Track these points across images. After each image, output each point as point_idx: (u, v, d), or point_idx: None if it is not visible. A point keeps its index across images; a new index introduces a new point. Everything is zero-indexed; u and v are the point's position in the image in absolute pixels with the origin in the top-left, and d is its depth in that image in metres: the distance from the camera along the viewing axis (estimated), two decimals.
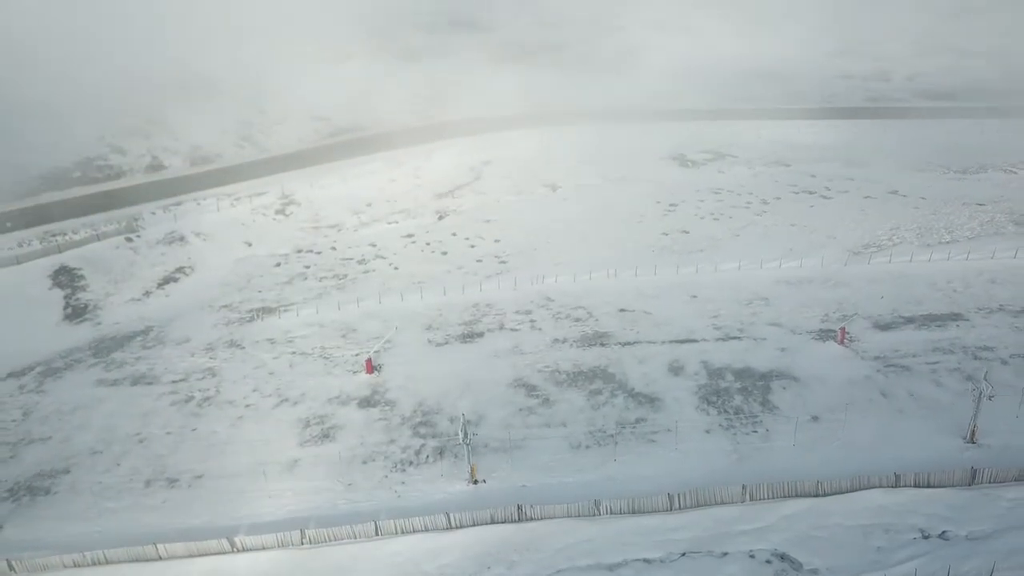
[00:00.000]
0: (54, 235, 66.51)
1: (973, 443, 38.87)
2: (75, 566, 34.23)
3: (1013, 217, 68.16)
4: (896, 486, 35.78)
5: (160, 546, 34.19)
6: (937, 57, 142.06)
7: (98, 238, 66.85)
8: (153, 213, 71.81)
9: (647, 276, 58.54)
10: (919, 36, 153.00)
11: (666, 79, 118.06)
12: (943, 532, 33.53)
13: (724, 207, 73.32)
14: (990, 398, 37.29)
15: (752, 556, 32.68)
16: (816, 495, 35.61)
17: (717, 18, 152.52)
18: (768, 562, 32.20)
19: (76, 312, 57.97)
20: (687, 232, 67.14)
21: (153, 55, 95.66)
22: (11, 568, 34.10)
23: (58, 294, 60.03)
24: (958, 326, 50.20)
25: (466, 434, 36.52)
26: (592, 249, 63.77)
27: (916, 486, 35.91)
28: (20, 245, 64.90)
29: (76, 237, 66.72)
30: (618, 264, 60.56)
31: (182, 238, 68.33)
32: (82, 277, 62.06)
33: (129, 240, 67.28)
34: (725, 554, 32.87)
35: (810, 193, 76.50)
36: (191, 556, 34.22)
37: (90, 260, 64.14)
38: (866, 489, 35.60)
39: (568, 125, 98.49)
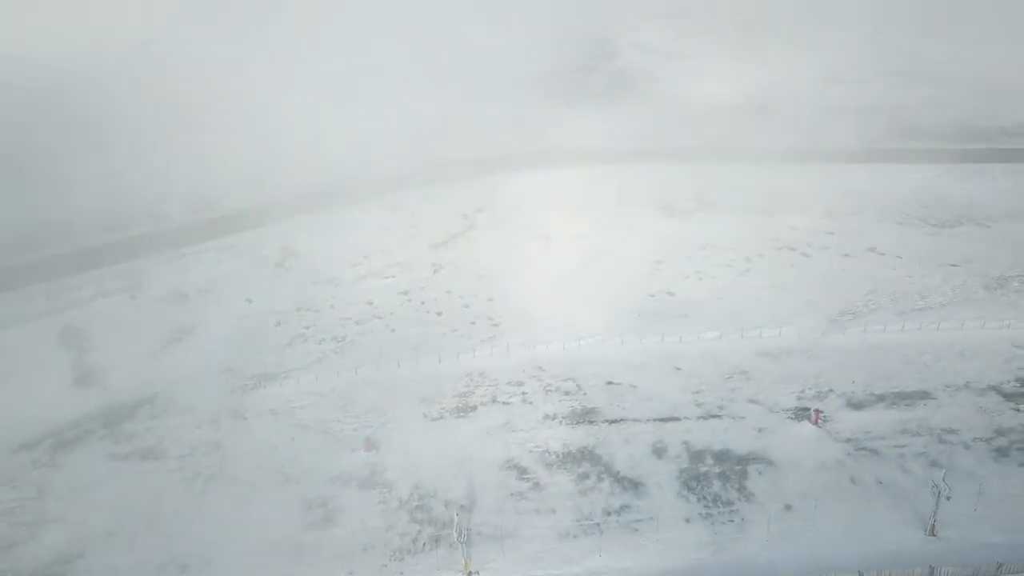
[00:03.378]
0: (59, 293, 68.70)
1: (934, 536, 41.65)
2: None
3: (984, 281, 70.96)
4: None
5: None
6: (921, 87, 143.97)
7: (102, 296, 69.06)
8: (155, 267, 74.09)
9: (634, 345, 61.11)
10: (905, 59, 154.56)
11: (653, 113, 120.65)
12: None
13: (708, 264, 75.90)
14: (948, 498, 40.11)
15: None
16: None
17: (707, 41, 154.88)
18: None
19: (84, 376, 60.08)
20: (672, 294, 69.75)
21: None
22: None
23: (66, 356, 62.28)
24: (926, 405, 53.01)
25: (460, 532, 39.18)
26: (581, 312, 66.07)
27: None
28: (26, 303, 67.11)
29: (81, 295, 68.90)
30: (607, 330, 63.05)
31: (184, 295, 70.54)
32: (89, 337, 64.27)
33: (133, 298, 69.47)
34: None
35: (791, 250, 79.20)
36: None
37: (96, 319, 66.42)
38: None
39: (561, 167, 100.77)
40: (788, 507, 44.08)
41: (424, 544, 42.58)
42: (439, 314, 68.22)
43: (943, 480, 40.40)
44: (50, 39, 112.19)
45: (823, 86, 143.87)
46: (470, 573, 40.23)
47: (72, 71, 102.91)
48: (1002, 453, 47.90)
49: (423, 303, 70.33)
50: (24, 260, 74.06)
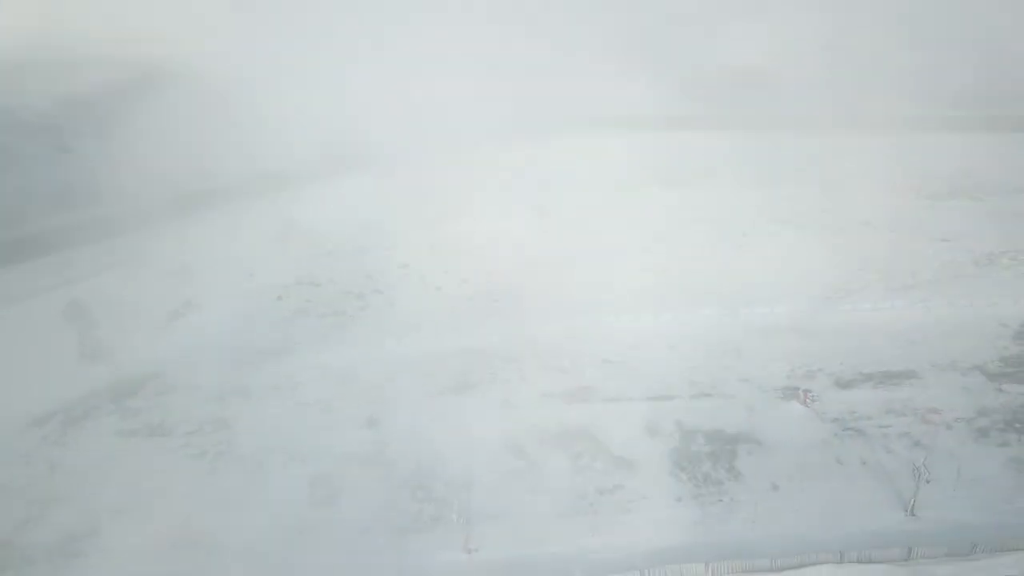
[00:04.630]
0: (63, 267, 69.53)
1: (914, 516, 43.50)
2: None
3: (973, 256, 72.18)
4: (842, 562, 40.49)
5: None
6: (924, 51, 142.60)
7: (106, 269, 69.93)
8: (157, 240, 74.83)
9: (629, 322, 62.40)
10: (910, 24, 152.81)
11: (653, 78, 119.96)
12: None
13: (705, 239, 76.92)
14: (927, 482, 41.87)
15: None
16: (771, 571, 40.24)
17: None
18: None
19: (90, 352, 61.19)
20: (668, 270, 70.76)
21: None
22: None
23: (71, 331, 63.20)
24: (912, 385, 54.58)
25: (460, 514, 40.98)
26: (578, 287, 67.22)
27: (859, 562, 40.59)
28: (32, 278, 68.02)
29: (85, 268, 69.76)
30: (602, 307, 64.28)
31: (187, 268, 71.37)
32: (93, 312, 65.11)
33: (136, 272, 70.36)
34: None
35: (786, 223, 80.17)
36: None
37: (101, 294, 67.26)
38: (816, 565, 40.28)
39: (560, 136, 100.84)
40: (775, 487, 45.84)
41: (425, 522, 44.27)
42: (438, 289, 69.33)
43: (923, 464, 42.05)
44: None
45: (825, 50, 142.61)
46: (469, 551, 41.97)
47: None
48: (982, 434, 49.57)
49: (422, 277, 71.36)
50: (26, 232, 74.61)
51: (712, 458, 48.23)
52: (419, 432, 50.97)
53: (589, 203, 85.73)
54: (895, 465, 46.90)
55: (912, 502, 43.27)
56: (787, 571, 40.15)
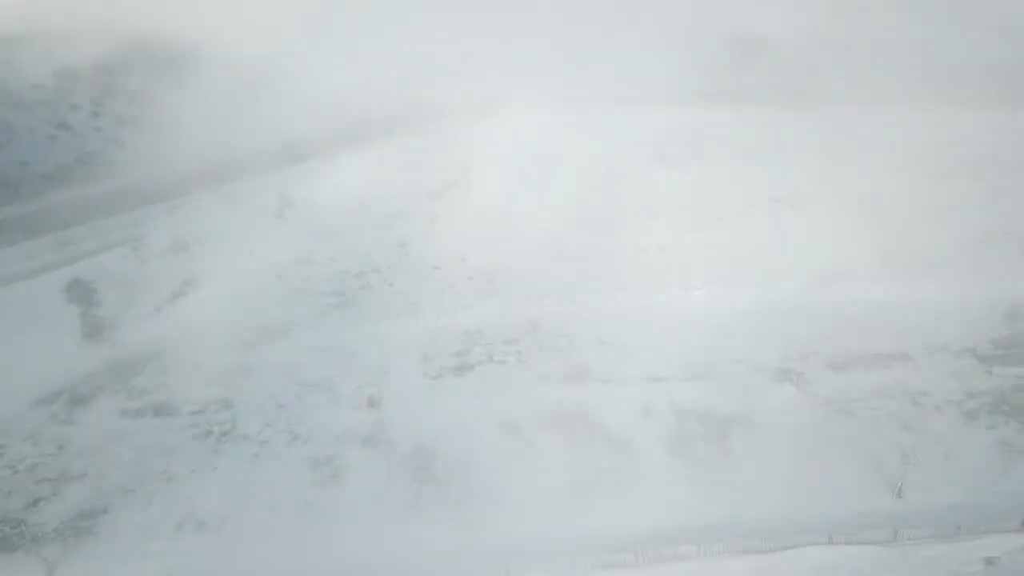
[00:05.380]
0: (63, 244, 69.90)
1: (901, 498, 44.74)
2: None
3: (968, 236, 72.63)
4: (830, 543, 41.79)
5: None
6: (930, 22, 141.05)
7: (106, 248, 70.33)
8: (156, 218, 75.11)
9: (626, 302, 63.13)
10: None
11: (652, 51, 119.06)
12: None
13: (700, 217, 77.16)
14: (914, 467, 43.03)
15: None
16: (762, 551, 41.54)
17: None
18: None
19: (94, 331, 61.98)
20: (664, 249, 71.27)
21: None
22: None
23: (74, 310, 63.99)
24: (902, 367, 55.50)
25: (458, 497, 42.16)
26: (575, 267, 67.74)
27: (847, 543, 41.90)
28: (32, 256, 68.42)
29: (85, 246, 70.15)
30: (600, 287, 64.95)
31: (187, 247, 71.80)
32: (95, 291, 65.88)
33: (135, 250, 70.78)
34: None
35: (781, 202, 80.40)
36: None
37: (101, 272, 67.85)
38: (805, 546, 41.59)
39: (553, 111, 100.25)
40: (767, 468, 46.98)
41: (425, 502, 45.44)
42: (436, 268, 69.82)
43: (911, 450, 43.20)
44: None
45: (824, 20, 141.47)
46: (468, 531, 43.21)
47: None
48: (971, 416, 50.65)
49: (420, 256, 71.79)
50: (24, 210, 74.78)
51: (706, 439, 49.25)
52: (419, 413, 51.82)
53: (584, 180, 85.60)
54: (884, 448, 48.01)
55: (900, 485, 44.40)
56: (777, 552, 41.42)
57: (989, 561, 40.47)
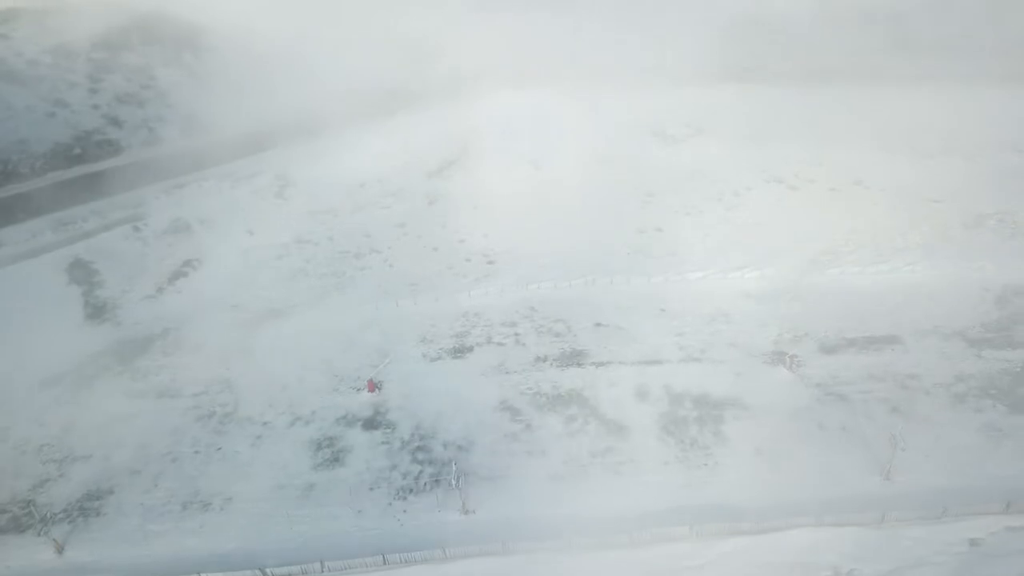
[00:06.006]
0: (64, 224, 70.37)
1: (889, 480, 45.83)
2: None
3: (962, 218, 73.21)
4: (819, 525, 42.92)
5: (203, 575, 40.99)
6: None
7: (107, 228, 70.81)
8: (157, 198, 75.48)
9: (622, 285, 63.89)
10: None
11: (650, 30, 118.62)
12: (851, 570, 40.83)
13: (698, 198, 77.82)
14: (903, 450, 44.06)
15: None
16: (752, 532, 42.68)
17: None
18: None
19: (96, 311, 62.70)
20: (661, 230, 71.92)
21: None
22: None
23: (76, 291, 64.67)
24: (893, 350, 56.38)
25: (457, 478, 43.17)
26: (573, 249, 68.40)
27: (836, 525, 43.03)
28: (34, 236, 68.92)
29: (86, 226, 70.64)
30: (597, 268, 65.66)
31: (187, 227, 72.32)
32: (97, 271, 66.52)
33: (136, 230, 71.27)
34: None
35: (779, 182, 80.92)
36: None
37: (102, 252, 68.46)
38: (794, 528, 42.72)
39: (558, 87, 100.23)
40: (759, 451, 47.98)
41: (425, 484, 46.53)
42: (435, 249, 70.49)
43: (899, 433, 44.17)
44: None
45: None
46: (467, 512, 44.29)
47: None
48: (959, 399, 51.59)
49: (419, 237, 72.47)
50: (24, 189, 75.08)
51: (699, 422, 50.25)
52: (418, 396, 52.73)
53: (584, 159, 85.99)
54: (874, 431, 48.96)
55: (888, 468, 45.47)
56: (767, 533, 42.50)
57: (973, 542, 41.61)
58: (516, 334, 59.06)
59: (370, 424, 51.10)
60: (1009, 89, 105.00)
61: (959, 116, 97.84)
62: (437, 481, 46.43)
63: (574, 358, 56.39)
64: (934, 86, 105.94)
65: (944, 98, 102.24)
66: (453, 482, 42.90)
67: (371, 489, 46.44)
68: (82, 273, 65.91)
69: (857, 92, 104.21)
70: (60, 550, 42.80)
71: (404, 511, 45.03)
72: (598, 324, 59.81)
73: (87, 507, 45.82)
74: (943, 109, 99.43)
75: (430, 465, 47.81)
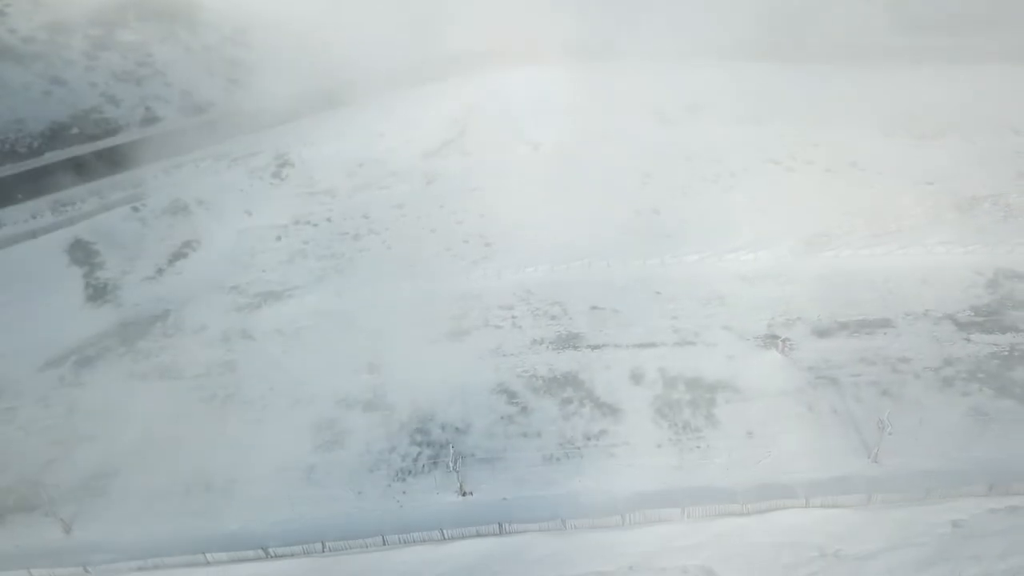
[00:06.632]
0: (63, 205, 70.74)
1: (877, 463, 46.98)
2: (139, 569, 42.24)
3: (956, 200, 73.62)
4: (807, 506, 44.15)
5: (208, 554, 42.15)
6: None
7: (105, 208, 71.18)
8: (155, 177, 75.70)
9: (618, 268, 64.52)
10: None
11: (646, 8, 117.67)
12: (837, 550, 42.12)
13: (694, 179, 78.12)
14: (890, 434, 45.12)
15: (685, 572, 41.28)
16: (742, 514, 43.88)
17: None
18: None
19: (97, 292, 63.32)
20: (657, 212, 72.32)
21: None
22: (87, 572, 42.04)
23: (77, 272, 65.23)
24: (885, 333, 57.27)
25: (455, 461, 44.23)
26: (570, 231, 68.83)
27: (823, 506, 44.26)
28: (33, 217, 69.34)
29: (85, 207, 71.01)
30: (593, 250, 66.22)
31: (186, 207, 72.65)
32: (97, 252, 67.04)
33: (135, 210, 71.65)
34: (664, 569, 41.42)
35: (776, 163, 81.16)
36: (234, 562, 42.24)
37: (102, 233, 68.89)
38: (783, 509, 43.95)
39: (558, 64, 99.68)
40: (750, 434, 49.12)
41: (423, 466, 47.63)
42: (433, 231, 70.90)
43: (887, 417, 45.19)
44: None
45: None
46: (464, 493, 45.41)
47: None
48: (947, 383, 52.62)
49: (418, 218, 72.80)
50: (21, 169, 75.24)
51: (692, 405, 51.26)
52: (416, 378, 53.55)
53: (579, 139, 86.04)
54: (863, 414, 50.05)
55: (875, 450, 46.58)
56: (756, 515, 43.74)
57: (956, 524, 42.87)
58: (513, 317, 59.81)
59: (370, 406, 52.03)
60: (1010, 68, 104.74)
61: (959, 96, 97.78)
62: (435, 463, 47.49)
63: (570, 341, 57.23)
64: (935, 66, 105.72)
65: (944, 78, 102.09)
66: (451, 464, 43.85)
67: (371, 471, 47.52)
68: (82, 254, 66.37)
69: (857, 71, 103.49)
70: (68, 529, 43.88)
71: (403, 492, 46.14)
72: (594, 307, 60.54)
73: (93, 486, 46.83)
74: (942, 89, 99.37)
75: (428, 447, 48.86)
